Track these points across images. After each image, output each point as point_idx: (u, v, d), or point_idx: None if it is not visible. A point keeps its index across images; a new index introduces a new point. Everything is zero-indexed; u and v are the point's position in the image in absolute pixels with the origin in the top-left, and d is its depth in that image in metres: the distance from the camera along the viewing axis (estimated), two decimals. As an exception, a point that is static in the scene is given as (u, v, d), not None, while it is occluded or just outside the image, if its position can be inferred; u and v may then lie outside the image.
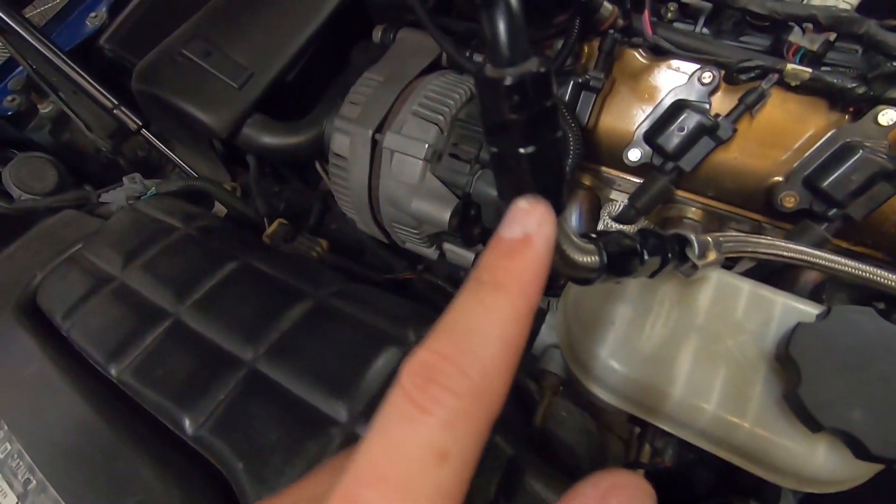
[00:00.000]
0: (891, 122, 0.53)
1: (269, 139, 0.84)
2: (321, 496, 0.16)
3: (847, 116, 0.58)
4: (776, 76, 0.57)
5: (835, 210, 0.57)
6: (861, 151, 0.54)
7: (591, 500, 0.17)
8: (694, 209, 0.74)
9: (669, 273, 0.36)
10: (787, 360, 0.33)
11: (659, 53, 0.64)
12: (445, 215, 0.58)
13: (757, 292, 0.40)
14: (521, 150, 0.20)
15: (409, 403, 0.16)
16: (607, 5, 0.58)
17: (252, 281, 0.54)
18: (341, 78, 1.01)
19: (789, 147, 0.63)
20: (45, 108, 1.01)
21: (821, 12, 0.55)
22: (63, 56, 0.80)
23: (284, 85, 0.88)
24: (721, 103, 0.63)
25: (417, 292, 0.75)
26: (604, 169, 0.72)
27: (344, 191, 0.67)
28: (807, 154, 0.59)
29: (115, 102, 0.79)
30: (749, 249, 0.42)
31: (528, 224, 0.18)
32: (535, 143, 0.20)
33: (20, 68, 1.04)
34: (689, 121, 0.60)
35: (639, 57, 0.67)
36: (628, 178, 0.71)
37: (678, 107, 0.62)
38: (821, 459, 0.33)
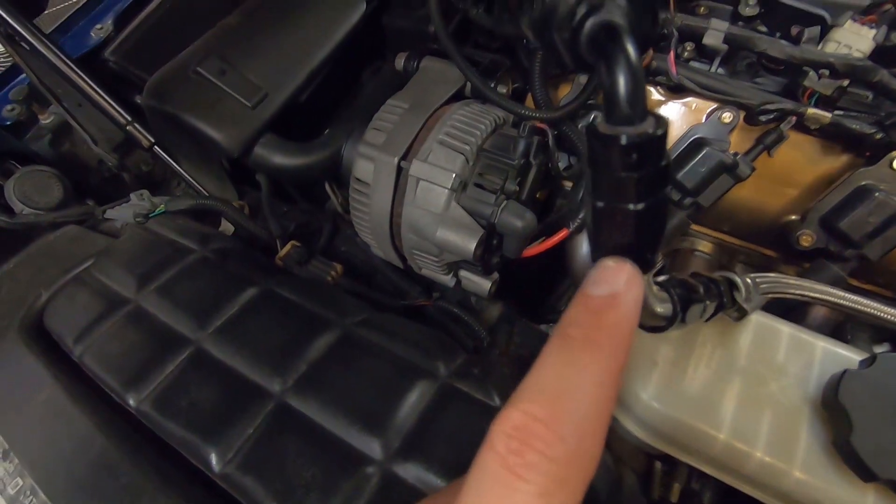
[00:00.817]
0: (905, 168, 0.55)
1: (280, 159, 0.83)
2: None
3: (861, 159, 0.60)
4: (794, 119, 0.58)
5: (851, 250, 0.58)
6: (877, 194, 0.56)
7: None
8: (706, 242, 0.75)
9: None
10: (835, 407, 0.34)
11: (678, 91, 0.66)
12: (471, 245, 0.58)
13: (797, 336, 0.40)
14: (631, 207, 0.20)
15: (504, 469, 0.15)
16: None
17: (275, 308, 0.53)
18: (354, 100, 1.01)
19: (804, 187, 0.65)
20: (45, 119, 0.99)
21: (838, 60, 0.58)
22: (76, 69, 0.79)
23: (296, 105, 0.88)
24: (739, 142, 0.64)
25: (432, 318, 0.74)
26: None
27: (364, 216, 0.66)
28: (823, 195, 0.60)
29: (129, 118, 0.77)
30: (785, 290, 0.43)
31: (617, 283, 0.18)
32: (645, 200, 0.19)
33: (21, 77, 1.02)
34: (710, 158, 0.61)
35: (657, 94, 0.69)
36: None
37: (698, 144, 0.63)
38: (868, 508, 0.33)
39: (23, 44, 0.79)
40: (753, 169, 0.61)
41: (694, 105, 0.67)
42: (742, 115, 0.62)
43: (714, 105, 0.65)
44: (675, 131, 0.69)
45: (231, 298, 0.54)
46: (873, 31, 0.60)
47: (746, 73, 0.69)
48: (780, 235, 0.68)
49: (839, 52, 0.60)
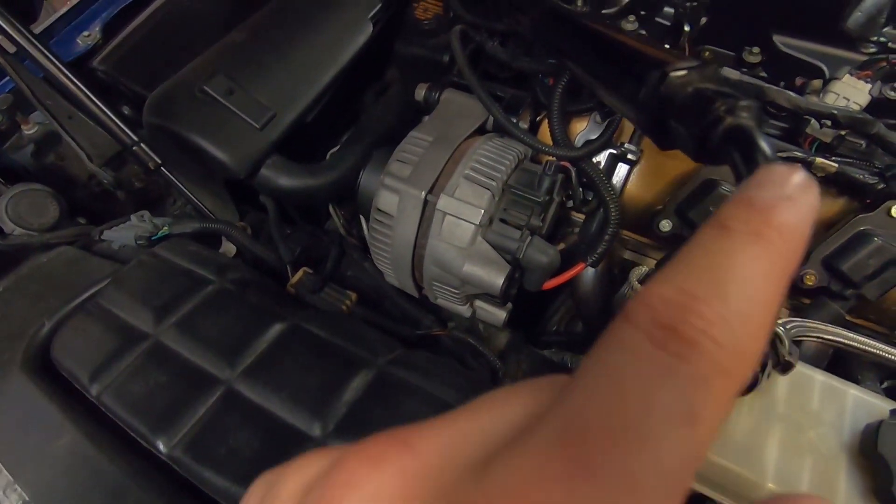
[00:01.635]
0: (902, 216, 0.59)
1: (287, 181, 0.82)
2: (505, 432, 0.14)
3: (857, 204, 0.64)
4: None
5: (850, 290, 0.62)
6: (876, 239, 0.60)
7: None
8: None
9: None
10: (875, 457, 0.36)
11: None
12: (498, 281, 0.59)
13: (829, 383, 0.42)
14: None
15: (650, 344, 0.12)
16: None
17: (305, 346, 0.52)
18: (358, 121, 1.01)
19: (804, 227, 0.69)
20: (29, 129, 0.94)
21: (840, 112, 0.62)
22: (77, 81, 0.76)
23: (302, 126, 0.87)
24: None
25: (447, 348, 0.74)
26: (633, 235, 0.75)
27: (385, 247, 0.66)
28: (826, 237, 0.64)
29: (135, 139, 0.74)
30: (810, 335, 0.45)
31: (788, 186, 0.14)
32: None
33: (4, 80, 0.97)
34: (718, 203, 0.64)
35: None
36: (656, 245, 0.75)
37: (709, 184, 0.66)
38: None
39: (8, 51, 0.76)
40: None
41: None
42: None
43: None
44: (680, 169, 0.73)
45: (258, 335, 0.52)
46: (869, 86, 0.64)
47: (749, 117, 0.73)
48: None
49: (840, 105, 0.64)
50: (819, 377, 0.43)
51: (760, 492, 0.38)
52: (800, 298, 0.70)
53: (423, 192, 0.61)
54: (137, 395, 0.47)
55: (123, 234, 0.76)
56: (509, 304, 0.71)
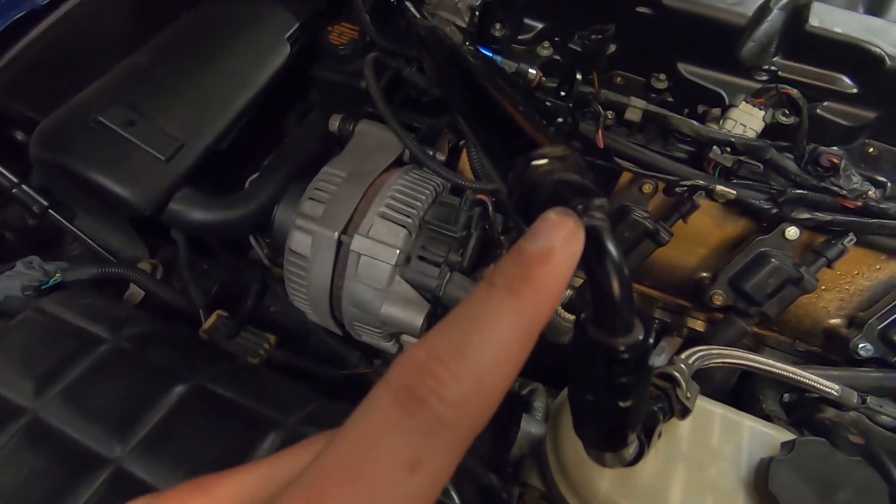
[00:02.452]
0: (795, 237, 0.63)
1: (200, 215, 0.77)
2: (289, 478, 0.16)
3: (758, 226, 0.68)
4: (704, 193, 0.65)
5: (754, 308, 0.66)
6: (773, 260, 0.64)
7: None
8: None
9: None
10: (766, 495, 0.37)
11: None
12: (418, 321, 0.58)
13: (727, 416, 0.44)
14: (621, 404, 0.20)
15: (392, 403, 0.15)
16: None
17: (209, 410, 0.48)
18: (279, 147, 0.97)
19: (712, 247, 0.72)
20: None
21: (737, 140, 0.65)
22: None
23: (215, 153, 0.82)
24: (657, 208, 0.70)
25: (372, 385, 0.71)
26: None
27: (301, 288, 0.63)
28: (731, 258, 0.67)
29: (16, 180, 0.67)
30: (714, 361, 0.47)
31: (554, 237, 0.17)
32: (633, 398, 0.20)
33: None
34: (633, 228, 0.66)
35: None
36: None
37: (623, 211, 0.68)
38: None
39: None
40: (672, 235, 0.67)
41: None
42: (661, 186, 0.67)
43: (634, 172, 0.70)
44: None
45: (155, 402, 0.48)
46: (763, 112, 0.68)
47: (659, 140, 0.75)
48: (692, 288, 0.76)
49: (737, 131, 0.67)
50: (718, 410, 0.44)
51: (667, 535, 0.39)
52: (713, 314, 0.73)
53: (337, 233, 0.58)
54: (8, 488, 0.42)
55: (7, 283, 0.69)
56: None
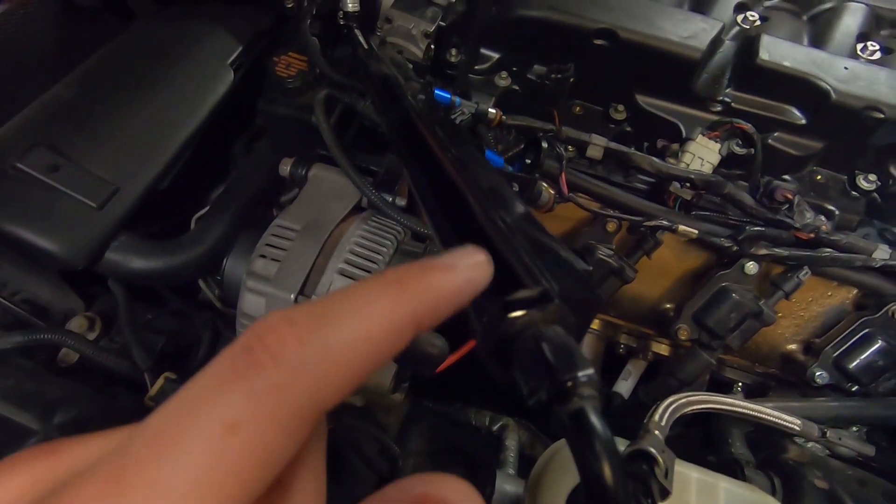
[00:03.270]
0: (753, 272, 0.65)
1: (141, 263, 0.71)
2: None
3: (719, 261, 0.69)
4: (666, 231, 0.65)
5: (718, 341, 0.67)
6: (734, 295, 0.65)
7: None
8: (595, 320, 0.80)
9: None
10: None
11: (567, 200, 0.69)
12: (385, 382, 0.55)
13: (703, 479, 0.44)
14: None
15: (227, 363, 0.13)
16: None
17: None
18: (225, 180, 0.91)
19: (675, 279, 0.73)
20: None
21: (696, 175, 0.65)
22: None
23: (155, 193, 0.76)
24: (621, 245, 0.70)
25: (340, 439, 0.68)
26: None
27: (257, 351, 0.59)
28: (693, 292, 0.68)
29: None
30: (688, 409, 0.47)
31: (461, 259, 0.17)
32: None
33: None
34: (599, 266, 0.65)
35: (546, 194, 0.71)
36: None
37: (587, 248, 0.67)
38: None
39: None
40: (636, 271, 0.67)
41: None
42: (626, 225, 0.67)
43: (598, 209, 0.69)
44: (563, 229, 0.73)
45: None
46: (719, 145, 0.69)
47: (620, 171, 0.75)
48: (657, 318, 0.76)
49: (695, 166, 0.68)
50: (694, 475, 0.44)
51: None
52: (679, 347, 0.74)
53: (293, 295, 0.55)
54: None
55: (-83, 359, 0.61)
56: (405, 385, 0.68)
